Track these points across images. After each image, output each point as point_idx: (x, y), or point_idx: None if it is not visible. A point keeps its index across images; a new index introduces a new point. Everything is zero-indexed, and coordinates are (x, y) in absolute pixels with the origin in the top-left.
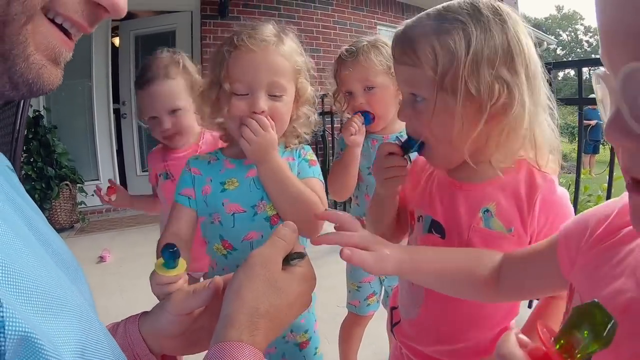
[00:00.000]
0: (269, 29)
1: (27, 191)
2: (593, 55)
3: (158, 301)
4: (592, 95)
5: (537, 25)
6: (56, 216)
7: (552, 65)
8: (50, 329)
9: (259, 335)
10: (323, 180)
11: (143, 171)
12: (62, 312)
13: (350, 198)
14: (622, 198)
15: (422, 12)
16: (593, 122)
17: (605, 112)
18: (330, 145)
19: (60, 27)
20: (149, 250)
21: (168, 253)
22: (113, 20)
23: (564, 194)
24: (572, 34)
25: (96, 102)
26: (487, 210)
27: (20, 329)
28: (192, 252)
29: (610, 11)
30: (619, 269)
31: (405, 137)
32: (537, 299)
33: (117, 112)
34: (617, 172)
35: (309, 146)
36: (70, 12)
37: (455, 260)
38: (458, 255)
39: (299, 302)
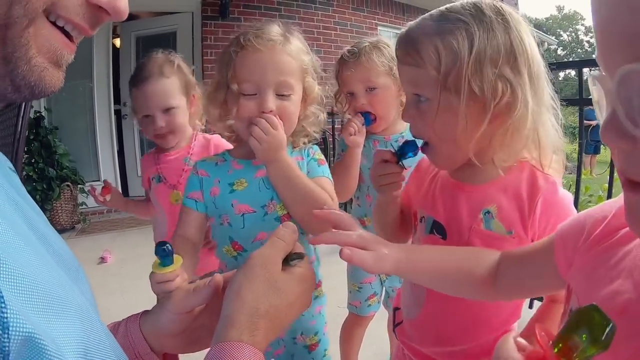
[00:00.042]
0: (275, 29)
1: (29, 192)
2: (594, 56)
3: None
4: None
5: (537, 25)
6: (57, 217)
7: (557, 66)
8: (51, 328)
9: (259, 336)
10: (332, 180)
11: None
12: (63, 311)
13: (351, 199)
14: (618, 199)
15: (426, 14)
16: (594, 123)
17: (601, 113)
18: (332, 146)
19: (62, 30)
20: (150, 251)
21: (161, 250)
22: (114, 21)
23: (567, 196)
24: (573, 34)
25: (97, 103)
26: (488, 212)
27: (24, 329)
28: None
29: (605, 12)
30: (616, 270)
31: (406, 138)
32: (537, 299)
33: (118, 113)
34: None
35: (317, 146)
36: (72, 15)
37: (452, 259)
38: (456, 254)
39: (299, 302)
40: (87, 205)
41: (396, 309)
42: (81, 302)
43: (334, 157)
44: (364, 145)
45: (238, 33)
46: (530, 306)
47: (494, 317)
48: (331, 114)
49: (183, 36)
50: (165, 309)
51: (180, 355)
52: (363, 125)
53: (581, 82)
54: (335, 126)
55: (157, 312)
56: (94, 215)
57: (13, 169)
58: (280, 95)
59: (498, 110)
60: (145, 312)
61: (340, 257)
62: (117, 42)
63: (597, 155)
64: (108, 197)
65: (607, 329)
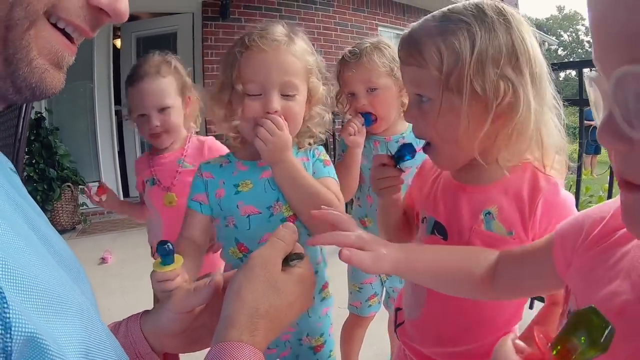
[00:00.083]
0: (279, 29)
1: (29, 193)
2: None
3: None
4: None
5: (538, 25)
6: (58, 217)
7: (558, 67)
8: (52, 328)
9: (259, 336)
10: (338, 180)
11: None
12: (64, 311)
13: (352, 199)
14: (616, 200)
15: (428, 15)
16: (594, 123)
17: (598, 114)
18: (332, 147)
19: (63, 32)
20: (150, 251)
21: (162, 249)
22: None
23: (568, 198)
24: (574, 34)
25: (98, 103)
26: (489, 213)
27: (26, 329)
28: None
29: (601, 12)
30: (614, 271)
31: (406, 139)
32: (538, 300)
33: (118, 113)
34: None
35: (322, 147)
36: (73, 17)
37: (451, 259)
38: (454, 253)
39: (299, 302)
40: (87, 206)
41: (398, 309)
42: (82, 302)
43: (334, 157)
44: (365, 146)
45: (243, 33)
46: (531, 307)
47: (495, 317)
48: (332, 115)
49: (183, 37)
50: (166, 309)
51: (180, 355)
52: (363, 125)
53: (581, 83)
54: (336, 127)
55: (157, 311)
56: (95, 215)
57: (14, 169)
58: (285, 96)
59: (500, 110)
60: (146, 311)
61: (340, 258)
62: (118, 43)
63: (598, 156)
64: (104, 197)
65: (606, 332)
